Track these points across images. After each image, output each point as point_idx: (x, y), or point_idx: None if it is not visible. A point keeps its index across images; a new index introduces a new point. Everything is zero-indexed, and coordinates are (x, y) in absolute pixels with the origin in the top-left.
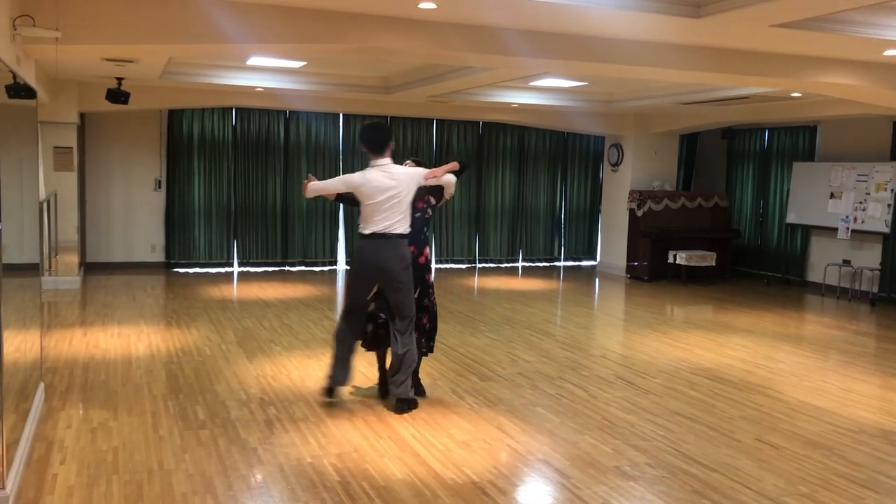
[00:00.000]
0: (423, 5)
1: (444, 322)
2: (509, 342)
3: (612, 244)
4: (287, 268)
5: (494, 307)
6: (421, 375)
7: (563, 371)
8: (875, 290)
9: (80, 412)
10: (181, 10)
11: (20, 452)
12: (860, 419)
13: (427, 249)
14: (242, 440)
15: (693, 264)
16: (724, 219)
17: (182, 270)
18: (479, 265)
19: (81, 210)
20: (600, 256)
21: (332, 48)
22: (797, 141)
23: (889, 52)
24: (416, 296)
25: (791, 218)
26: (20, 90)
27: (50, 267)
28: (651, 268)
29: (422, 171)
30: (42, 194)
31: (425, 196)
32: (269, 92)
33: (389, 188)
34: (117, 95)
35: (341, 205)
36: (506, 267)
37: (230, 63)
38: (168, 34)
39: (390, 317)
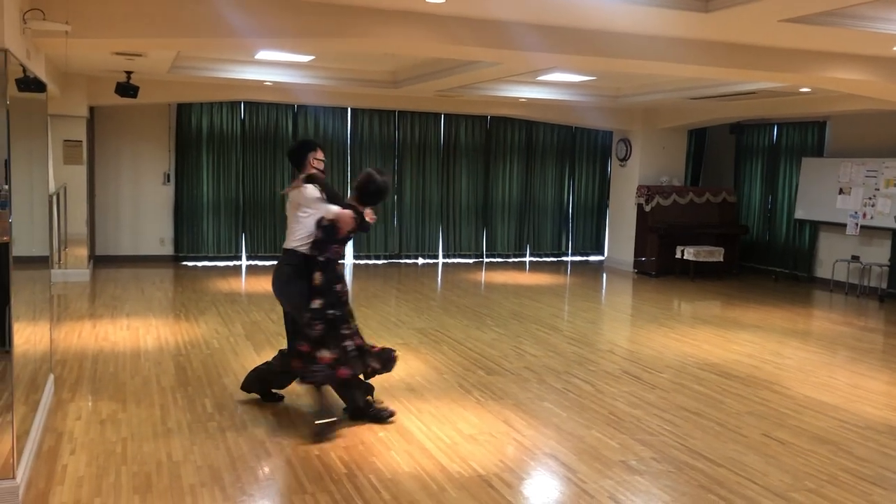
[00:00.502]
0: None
1: (451, 316)
2: (516, 337)
3: (619, 239)
4: None
5: (501, 302)
6: (428, 369)
7: (569, 366)
8: (884, 286)
9: (90, 404)
10: (190, 5)
11: (30, 443)
12: (867, 415)
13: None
14: (250, 432)
15: (701, 260)
16: (733, 214)
17: (190, 264)
18: (486, 260)
19: (91, 203)
20: (608, 251)
21: (340, 43)
22: (806, 136)
23: None
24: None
25: (799, 214)
26: (30, 83)
27: (59, 260)
28: (659, 263)
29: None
30: (52, 187)
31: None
32: (277, 86)
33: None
34: (126, 89)
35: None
36: (513, 262)
37: (239, 57)
38: (177, 28)
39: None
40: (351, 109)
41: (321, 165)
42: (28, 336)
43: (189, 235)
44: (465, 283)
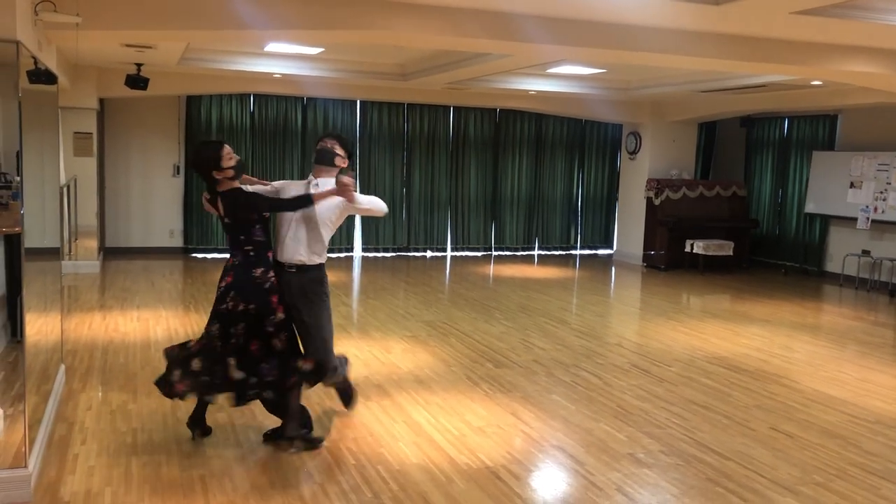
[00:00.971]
0: None
1: (460, 309)
2: (524, 330)
3: (628, 233)
4: None
5: (510, 295)
6: (436, 362)
7: (577, 359)
8: (895, 281)
9: (100, 394)
10: None
11: (42, 432)
12: (876, 409)
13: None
14: (260, 423)
15: (711, 253)
16: (743, 208)
17: (200, 256)
18: (494, 253)
19: (101, 195)
20: (617, 245)
21: (350, 34)
22: (817, 130)
23: None
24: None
25: (810, 208)
26: (41, 75)
27: (70, 251)
28: (668, 257)
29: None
30: (62, 179)
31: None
32: (286, 78)
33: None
34: (136, 81)
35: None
36: (522, 255)
37: (248, 49)
38: (186, 20)
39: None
40: (360, 102)
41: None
42: (39, 327)
43: (198, 228)
44: (474, 276)
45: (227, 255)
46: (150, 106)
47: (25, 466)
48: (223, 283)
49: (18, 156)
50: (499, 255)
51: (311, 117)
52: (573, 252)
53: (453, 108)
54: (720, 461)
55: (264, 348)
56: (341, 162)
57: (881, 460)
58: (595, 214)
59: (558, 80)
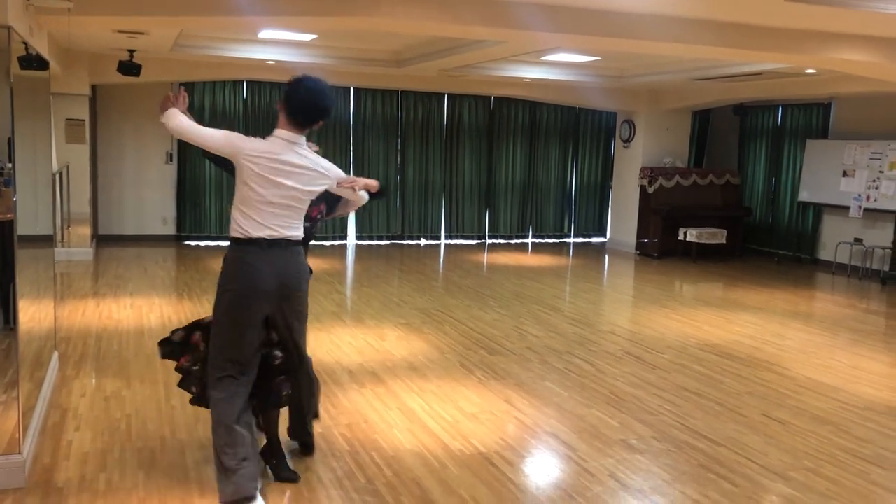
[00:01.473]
0: None
1: (454, 297)
2: (518, 317)
3: (622, 221)
4: None
5: (504, 283)
6: (430, 349)
7: (571, 346)
8: (886, 268)
9: (94, 381)
10: None
11: (35, 419)
12: (867, 396)
13: None
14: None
15: (704, 242)
16: (736, 196)
17: (193, 243)
18: (489, 241)
19: (93, 182)
20: (610, 233)
21: (344, 21)
22: (810, 118)
23: None
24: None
25: (803, 196)
26: (33, 61)
27: (63, 238)
28: (661, 245)
29: (338, 170)
30: (55, 166)
31: (321, 203)
32: (280, 65)
33: (300, 173)
34: (129, 68)
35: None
36: (516, 243)
37: (241, 36)
38: (179, 6)
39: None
40: (354, 89)
41: None
42: (32, 314)
43: (192, 215)
44: (468, 263)
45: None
46: (143, 93)
47: (19, 453)
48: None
49: (10, 142)
50: (493, 242)
51: None
52: (567, 240)
53: (447, 95)
54: (712, 447)
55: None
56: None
57: (871, 446)
58: (589, 202)
59: (553, 68)
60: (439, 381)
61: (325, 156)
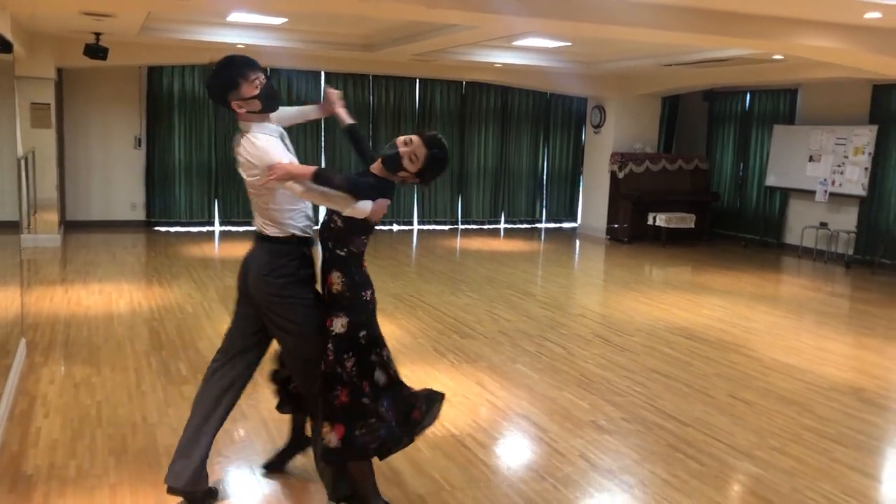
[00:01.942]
0: None
1: (426, 281)
2: (490, 301)
3: (593, 206)
4: None
5: (476, 268)
6: (403, 334)
7: (542, 329)
8: (850, 252)
9: (63, 368)
10: None
11: (3, 406)
12: (832, 377)
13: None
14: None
15: (673, 226)
16: (705, 181)
17: (163, 229)
18: (461, 226)
19: (60, 168)
20: (581, 218)
21: (315, 4)
22: (778, 104)
23: (870, 15)
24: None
25: (770, 181)
26: None
27: (29, 225)
28: (631, 229)
29: (274, 157)
30: (20, 151)
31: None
32: (249, 49)
33: (240, 161)
34: (95, 51)
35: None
36: (488, 228)
37: (210, 19)
38: None
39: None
40: (325, 73)
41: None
42: None
43: (161, 200)
44: (440, 249)
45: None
46: (111, 76)
47: None
48: (368, 293)
49: None
50: (465, 228)
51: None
52: (539, 225)
53: (419, 80)
54: (680, 427)
55: None
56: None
57: (835, 425)
58: (560, 188)
59: (524, 53)
60: (412, 365)
61: (294, 143)
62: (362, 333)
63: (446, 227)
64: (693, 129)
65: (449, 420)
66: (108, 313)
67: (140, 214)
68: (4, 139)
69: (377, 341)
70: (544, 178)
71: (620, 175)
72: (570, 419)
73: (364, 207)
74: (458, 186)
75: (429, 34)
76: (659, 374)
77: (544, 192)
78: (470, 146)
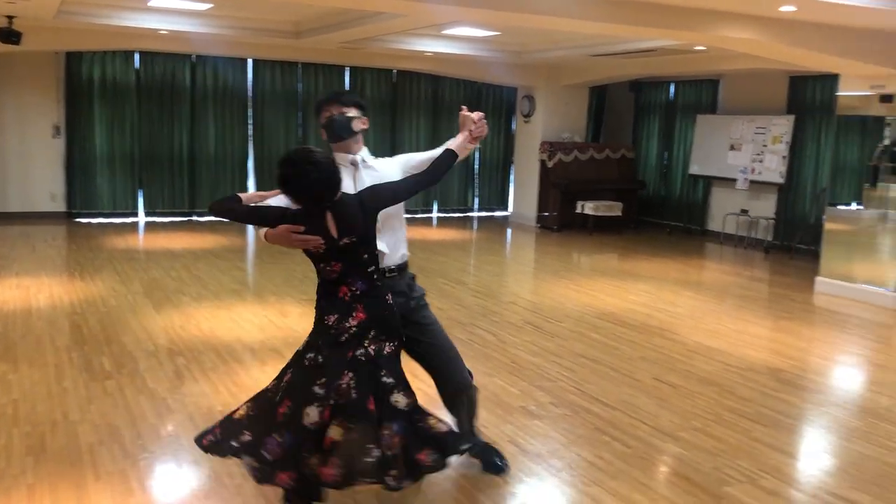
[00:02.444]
0: None
1: None
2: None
3: (523, 195)
4: (195, 217)
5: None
6: None
7: (474, 317)
8: (770, 238)
9: None
10: None
11: None
12: (751, 358)
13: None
14: (151, 390)
15: (600, 214)
16: (631, 170)
17: (84, 221)
18: None
19: None
20: (513, 207)
21: None
22: (700, 94)
23: (784, 8)
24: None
25: (693, 169)
26: None
27: None
28: (560, 218)
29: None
30: None
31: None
32: (173, 35)
33: None
34: (8, 35)
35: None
36: (420, 217)
37: (131, 4)
38: None
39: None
40: (252, 61)
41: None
42: None
43: (82, 191)
44: None
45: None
46: (26, 62)
47: None
48: (353, 322)
49: None
50: None
51: (201, 76)
52: (471, 214)
53: (349, 68)
54: (607, 411)
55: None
56: (360, 124)
57: (753, 405)
58: (492, 177)
59: (454, 42)
60: None
61: (222, 131)
62: (309, 355)
63: None
64: (620, 118)
65: None
66: (26, 308)
67: (60, 206)
68: None
69: (327, 372)
70: (476, 166)
71: (550, 164)
72: (501, 405)
73: (259, 232)
74: None
75: (357, 21)
76: (587, 358)
77: (476, 180)
78: (401, 135)
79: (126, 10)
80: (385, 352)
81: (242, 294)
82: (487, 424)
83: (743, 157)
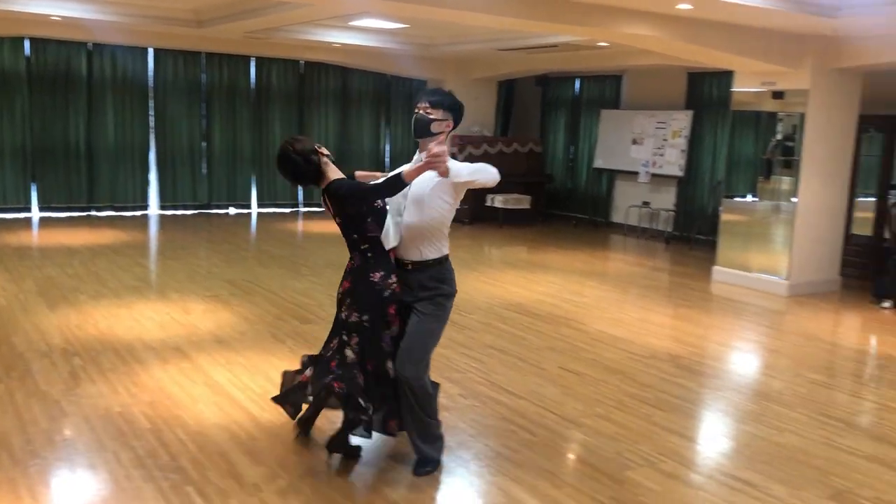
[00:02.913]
0: None
1: (265, 266)
2: (331, 285)
3: None
4: (94, 213)
5: (318, 251)
6: (239, 321)
7: None
8: (670, 229)
9: None
10: None
11: None
12: (652, 346)
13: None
14: (43, 392)
15: (510, 207)
16: (539, 164)
17: None
18: (303, 209)
19: None
20: None
21: None
22: (604, 89)
23: (681, 6)
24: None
25: (598, 163)
26: None
27: None
28: (471, 211)
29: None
30: None
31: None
32: (67, 21)
33: None
34: None
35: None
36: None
37: None
38: None
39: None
40: (153, 50)
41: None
42: None
43: None
44: (281, 233)
45: None
46: None
47: None
48: (341, 289)
49: None
50: (307, 210)
51: (98, 65)
52: None
53: (255, 58)
54: (514, 400)
55: (379, 372)
56: (441, 126)
57: (654, 391)
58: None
59: (362, 34)
60: (249, 352)
61: (122, 123)
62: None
63: (287, 210)
64: (527, 113)
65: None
66: None
67: None
68: None
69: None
70: (387, 159)
71: (460, 157)
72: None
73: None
74: None
75: (261, 11)
76: (495, 349)
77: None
78: (310, 127)
79: None
80: (352, 320)
81: (143, 291)
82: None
83: (645, 150)
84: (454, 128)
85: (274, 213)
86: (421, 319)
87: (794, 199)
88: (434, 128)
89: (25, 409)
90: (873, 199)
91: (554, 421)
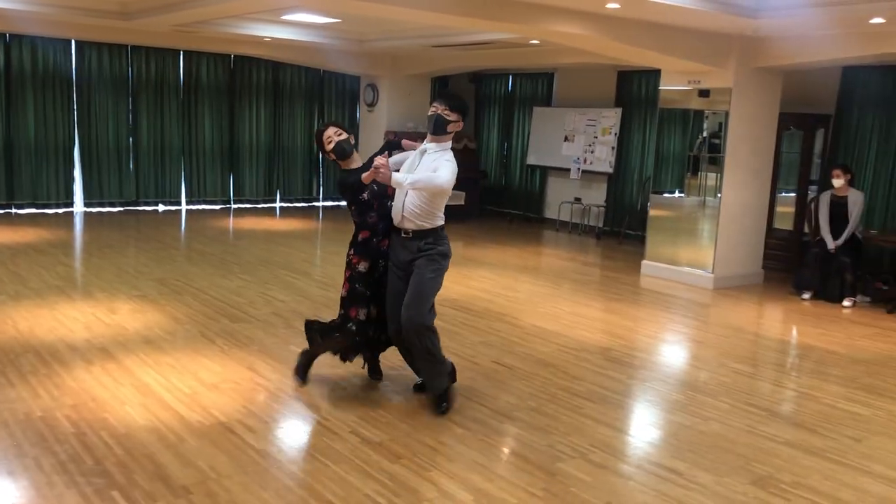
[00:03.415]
0: None
1: (195, 265)
2: (264, 283)
3: None
4: (14, 210)
5: (249, 248)
6: (167, 320)
7: (318, 309)
8: (601, 224)
9: None
10: None
11: None
12: (583, 339)
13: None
14: None
15: (446, 203)
16: (473, 160)
17: None
18: (234, 206)
19: None
20: None
21: None
22: (537, 87)
23: (611, 6)
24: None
25: (531, 160)
26: None
27: None
28: None
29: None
30: None
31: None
32: None
33: None
34: None
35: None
36: (262, 207)
37: None
38: None
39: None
40: (76, 42)
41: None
42: None
43: None
44: (211, 230)
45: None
46: None
47: None
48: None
49: None
50: (238, 207)
51: (17, 57)
52: (316, 204)
53: (183, 52)
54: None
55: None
56: (454, 127)
57: (585, 383)
58: (337, 165)
59: (294, 28)
60: (177, 352)
61: (43, 117)
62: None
63: (218, 207)
64: None
65: (217, 408)
66: None
67: None
68: None
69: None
70: (320, 155)
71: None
72: (345, 397)
73: None
74: (228, 163)
75: (188, 4)
76: None
77: (321, 169)
78: (241, 122)
79: None
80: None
81: (67, 291)
82: (329, 417)
83: (576, 147)
84: (462, 128)
85: (204, 210)
86: (421, 272)
87: (719, 195)
88: (449, 128)
89: None
90: (794, 194)
91: (487, 415)
